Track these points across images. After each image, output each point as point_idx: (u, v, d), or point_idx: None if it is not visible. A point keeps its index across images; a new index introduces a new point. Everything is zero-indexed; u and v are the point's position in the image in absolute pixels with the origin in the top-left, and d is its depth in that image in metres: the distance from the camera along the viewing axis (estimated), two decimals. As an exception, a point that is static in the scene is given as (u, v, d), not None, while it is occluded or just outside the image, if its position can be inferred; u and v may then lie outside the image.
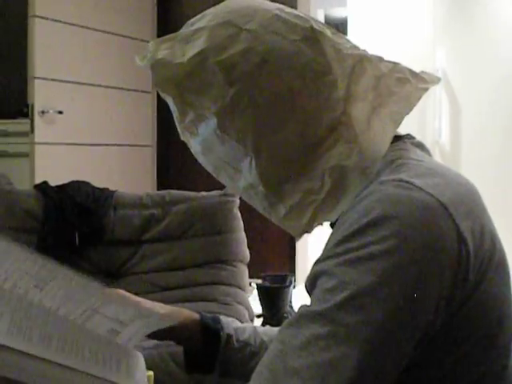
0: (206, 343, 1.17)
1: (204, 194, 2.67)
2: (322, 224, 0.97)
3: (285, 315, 3.15)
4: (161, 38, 0.99)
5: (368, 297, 0.78)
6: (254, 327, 1.24)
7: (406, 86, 0.96)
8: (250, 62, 0.91)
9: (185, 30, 0.97)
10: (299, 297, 3.59)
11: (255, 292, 3.25)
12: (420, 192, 0.83)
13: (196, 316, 1.19)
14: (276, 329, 1.23)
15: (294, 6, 4.53)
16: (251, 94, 0.91)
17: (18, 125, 4.41)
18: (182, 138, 1.04)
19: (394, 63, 0.97)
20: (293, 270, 4.49)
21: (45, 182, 2.74)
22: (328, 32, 0.94)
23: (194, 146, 1.02)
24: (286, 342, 0.81)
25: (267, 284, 3.25)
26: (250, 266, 2.72)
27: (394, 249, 0.79)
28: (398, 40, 3.69)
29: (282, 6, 0.96)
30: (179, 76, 0.95)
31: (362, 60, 0.95)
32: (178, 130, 1.03)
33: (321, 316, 0.80)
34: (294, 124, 0.91)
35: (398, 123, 0.94)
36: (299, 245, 4.55)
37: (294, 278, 3.57)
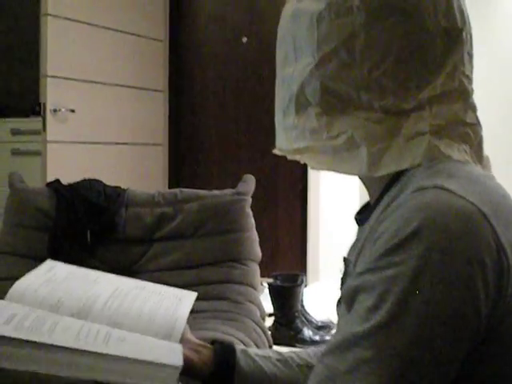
0: (219, 360, 1.17)
1: (216, 192, 2.67)
2: (313, 167, 1.01)
3: (296, 314, 3.15)
4: None
5: (412, 316, 0.76)
6: (272, 349, 1.23)
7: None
8: None
9: None
10: (310, 296, 3.59)
11: (266, 291, 3.25)
12: (461, 200, 0.80)
13: (206, 344, 1.19)
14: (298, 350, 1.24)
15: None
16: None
17: (31, 123, 4.43)
18: None
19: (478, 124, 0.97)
20: (304, 269, 4.49)
21: (57, 181, 2.74)
22: (468, 46, 0.96)
23: (287, 9, 1.01)
24: (331, 367, 0.79)
25: (278, 283, 3.25)
26: (261, 264, 2.71)
27: (436, 263, 0.76)
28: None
29: None
30: None
31: (463, 93, 0.95)
32: None
33: (363, 338, 0.78)
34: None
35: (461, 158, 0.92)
36: (310, 244, 4.55)
37: (305, 277, 3.57)
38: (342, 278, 1.05)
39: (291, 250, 4.74)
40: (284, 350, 1.23)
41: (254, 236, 2.65)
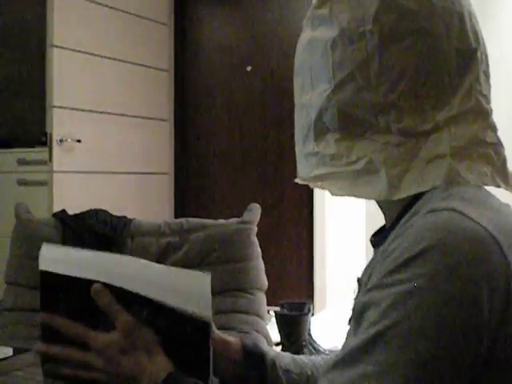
0: (249, 368, 1.17)
1: (222, 221, 2.66)
2: (332, 192, 0.99)
3: (303, 343, 3.12)
4: None
5: (414, 335, 0.76)
6: (292, 356, 1.22)
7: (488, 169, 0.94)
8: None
9: None
10: (318, 324, 3.57)
11: (273, 320, 3.23)
12: (473, 224, 0.80)
13: (237, 341, 1.20)
14: (312, 358, 1.23)
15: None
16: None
17: (37, 153, 4.44)
18: (305, 22, 1.03)
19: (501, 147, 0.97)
20: (311, 297, 4.47)
21: (63, 211, 2.75)
22: (484, 65, 0.96)
23: (302, 38, 1.03)
24: (334, 381, 0.80)
25: (285, 312, 3.23)
26: (267, 293, 2.71)
27: (442, 284, 0.76)
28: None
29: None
30: None
31: (480, 112, 0.95)
32: (308, 13, 1.03)
33: (366, 353, 0.78)
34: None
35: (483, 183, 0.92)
36: (317, 271, 4.53)
37: (313, 306, 3.55)
38: (355, 299, 1.05)
39: (298, 277, 4.72)
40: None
41: (260, 265, 2.64)
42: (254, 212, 2.65)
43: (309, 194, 4.57)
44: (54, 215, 2.76)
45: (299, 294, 4.59)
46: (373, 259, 1.01)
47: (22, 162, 4.55)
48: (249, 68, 4.88)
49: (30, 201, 3.11)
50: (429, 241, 0.78)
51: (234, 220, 2.65)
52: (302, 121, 1.01)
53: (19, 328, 2.42)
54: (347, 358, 0.80)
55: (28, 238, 2.61)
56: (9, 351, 2.23)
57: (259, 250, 2.64)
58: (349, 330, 0.99)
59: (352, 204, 4.12)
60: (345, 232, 4.41)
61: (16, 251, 2.63)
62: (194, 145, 5.07)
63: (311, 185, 1.05)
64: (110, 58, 4.48)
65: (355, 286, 1.08)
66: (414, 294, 0.77)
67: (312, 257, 4.57)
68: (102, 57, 4.41)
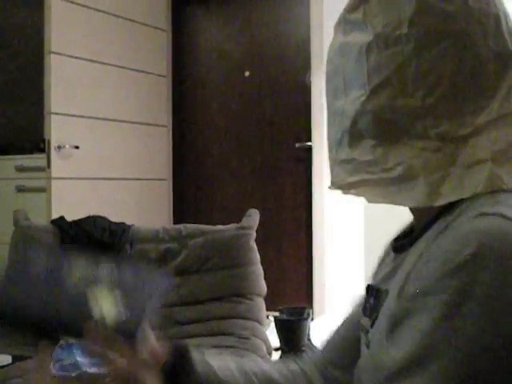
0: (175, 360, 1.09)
1: (220, 227, 2.67)
2: (368, 200, 0.96)
3: (303, 348, 3.12)
4: None
5: (471, 345, 0.73)
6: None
7: None
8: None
9: None
10: (317, 329, 3.56)
11: (272, 325, 3.23)
12: None
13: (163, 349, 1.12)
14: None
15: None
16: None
17: (35, 160, 4.44)
18: (335, 27, 1.01)
19: None
20: (310, 303, 4.46)
21: (61, 217, 2.75)
22: None
23: (334, 43, 1.01)
24: None
25: (284, 317, 3.23)
26: (266, 298, 2.71)
27: (499, 292, 0.73)
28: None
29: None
30: None
31: None
32: (340, 17, 1.01)
33: (419, 366, 0.76)
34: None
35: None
36: (316, 277, 4.53)
37: (312, 311, 3.54)
38: (370, 308, 1.01)
39: (297, 283, 4.72)
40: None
41: (259, 270, 2.64)
42: (253, 217, 2.65)
43: (307, 199, 4.57)
44: (53, 222, 2.76)
45: (298, 299, 4.58)
46: (395, 266, 0.97)
47: (20, 169, 4.56)
48: (247, 73, 4.89)
49: (29, 207, 3.11)
50: (476, 246, 0.75)
51: (232, 226, 2.65)
52: (335, 127, 0.99)
53: (18, 336, 2.42)
54: (399, 370, 0.78)
55: (26, 245, 2.61)
56: (8, 359, 2.23)
57: (258, 255, 2.64)
58: (372, 338, 0.95)
59: (351, 209, 4.12)
60: (344, 237, 4.41)
61: (14, 258, 2.63)
62: (192, 150, 5.07)
63: (344, 192, 1.02)
64: (107, 64, 4.48)
65: (364, 292, 1.05)
66: (470, 302, 0.74)
67: (311, 262, 4.57)
68: (99, 63, 4.41)
